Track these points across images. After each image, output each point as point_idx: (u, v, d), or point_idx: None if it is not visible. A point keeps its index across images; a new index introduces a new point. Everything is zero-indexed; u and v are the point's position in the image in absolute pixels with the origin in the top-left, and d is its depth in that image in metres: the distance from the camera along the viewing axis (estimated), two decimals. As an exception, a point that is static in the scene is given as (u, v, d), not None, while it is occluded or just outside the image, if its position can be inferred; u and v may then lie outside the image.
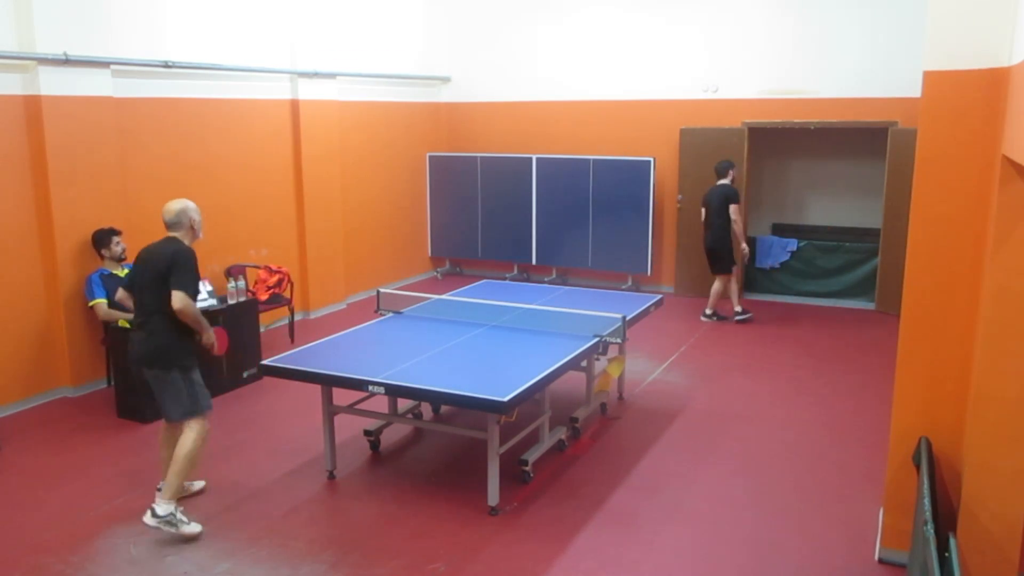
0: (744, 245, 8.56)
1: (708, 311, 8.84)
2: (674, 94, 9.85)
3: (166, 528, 4.32)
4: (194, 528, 4.37)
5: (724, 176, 8.54)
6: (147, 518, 4.37)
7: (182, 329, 4.45)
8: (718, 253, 8.55)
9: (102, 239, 6.38)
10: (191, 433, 4.47)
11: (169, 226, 4.49)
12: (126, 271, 6.45)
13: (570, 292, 6.93)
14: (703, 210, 8.68)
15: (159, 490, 4.52)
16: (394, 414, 5.54)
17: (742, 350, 7.76)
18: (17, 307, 6.24)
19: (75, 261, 6.43)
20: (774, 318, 8.97)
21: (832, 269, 9.65)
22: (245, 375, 6.72)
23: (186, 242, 4.47)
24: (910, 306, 3.80)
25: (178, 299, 4.31)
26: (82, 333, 6.52)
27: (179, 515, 4.36)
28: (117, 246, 6.42)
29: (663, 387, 6.77)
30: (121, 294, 4.66)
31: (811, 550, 4.25)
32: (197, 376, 4.54)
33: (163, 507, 4.34)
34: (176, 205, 4.50)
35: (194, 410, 4.49)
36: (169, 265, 4.34)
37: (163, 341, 4.42)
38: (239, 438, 5.73)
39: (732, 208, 8.36)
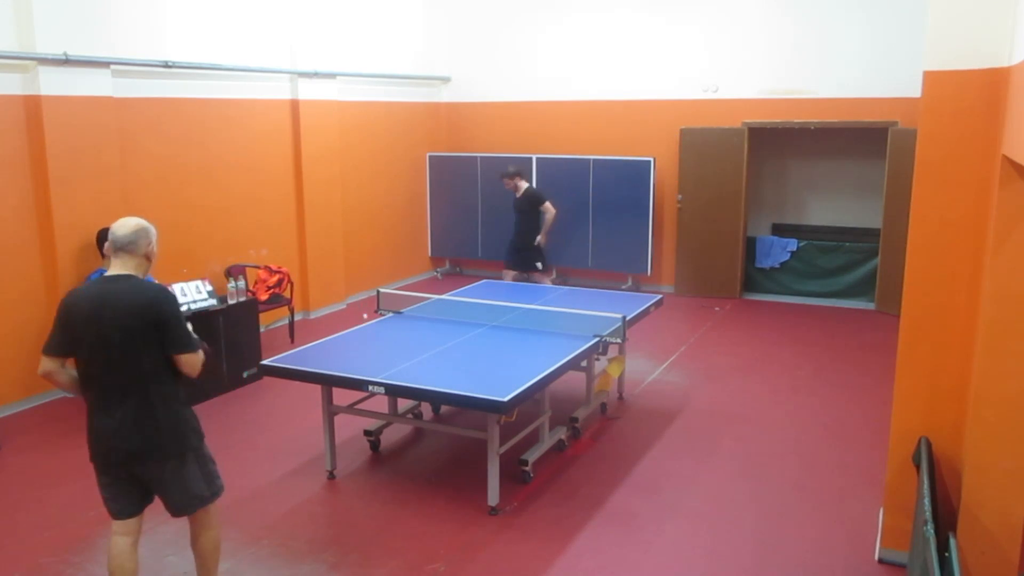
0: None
1: None
2: (674, 94, 9.85)
3: None
4: None
5: (524, 178, 8.66)
6: None
7: (182, 394, 3.41)
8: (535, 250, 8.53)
9: (104, 238, 6.38)
10: (211, 530, 3.54)
11: (121, 248, 3.30)
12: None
13: (570, 292, 6.94)
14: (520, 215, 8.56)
15: None
16: (394, 414, 5.55)
17: (742, 350, 7.76)
18: (17, 307, 6.24)
19: (75, 261, 6.43)
20: (774, 318, 8.97)
21: (832, 269, 9.65)
22: (245, 375, 6.72)
23: (140, 276, 3.34)
24: (910, 306, 3.80)
25: (193, 365, 3.33)
26: (82, 333, 6.51)
27: None
28: None
29: (663, 387, 6.77)
30: (50, 366, 3.28)
31: (811, 550, 4.25)
32: (207, 448, 3.53)
33: None
34: (133, 221, 3.35)
35: (212, 493, 3.52)
36: (155, 321, 3.22)
37: (169, 419, 3.32)
38: (239, 438, 5.73)
39: (547, 205, 8.43)
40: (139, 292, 3.26)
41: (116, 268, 3.33)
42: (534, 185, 8.76)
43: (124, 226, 3.34)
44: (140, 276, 3.35)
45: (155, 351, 3.26)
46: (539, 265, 8.52)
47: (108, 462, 3.37)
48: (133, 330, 3.21)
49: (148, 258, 3.39)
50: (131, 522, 3.48)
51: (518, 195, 8.59)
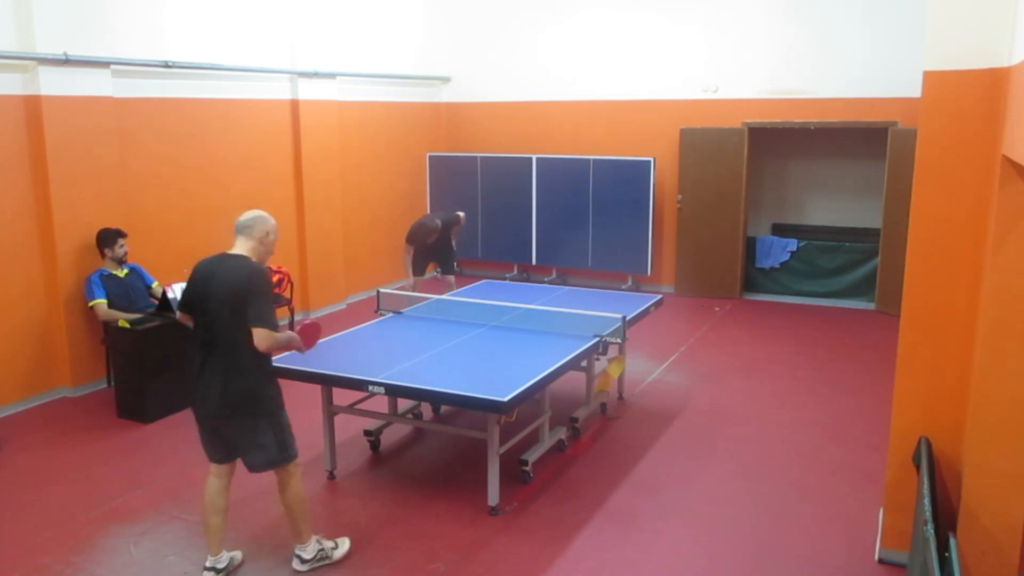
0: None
1: None
2: (674, 94, 9.85)
3: (323, 564, 4.06)
4: (346, 544, 4.20)
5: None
6: (296, 565, 4.04)
7: (267, 364, 3.85)
8: None
9: (107, 238, 6.38)
10: (290, 477, 3.93)
11: (240, 231, 3.86)
12: (126, 271, 6.50)
13: (570, 292, 6.93)
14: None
15: (296, 556, 4.07)
16: (394, 414, 5.55)
17: (742, 350, 7.76)
18: (17, 307, 6.23)
19: (75, 261, 6.43)
20: (774, 318, 8.97)
21: (832, 269, 9.65)
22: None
23: (254, 259, 3.83)
24: (910, 306, 3.80)
25: (263, 340, 3.65)
26: (82, 333, 6.51)
27: (326, 546, 4.11)
28: (121, 248, 6.41)
29: (663, 387, 6.77)
30: (183, 320, 3.97)
31: (811, 550, 4.25)
32: (285, 417, 3.92)
33: (308, 550, 4.04)
34: (256, 211, 3.92)
35: (283, 459, 3.88)
36: (244, 292, 3.65)
37: (246, 383, 3.76)
38: (239, 438, 5.73)
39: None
40: (240, 268, 3.74)
41: (236, 249, 3.85)
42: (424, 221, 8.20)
43: (247, 213, 3.92)
44: (254, 260, 3.81)
45: (244, 321, 3.67)
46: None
47: (199, 413, 3.87)
48: (229, 299, 3.68)
49: (262, 244, 3.88)
50: (224, 467, 3.97)
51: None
